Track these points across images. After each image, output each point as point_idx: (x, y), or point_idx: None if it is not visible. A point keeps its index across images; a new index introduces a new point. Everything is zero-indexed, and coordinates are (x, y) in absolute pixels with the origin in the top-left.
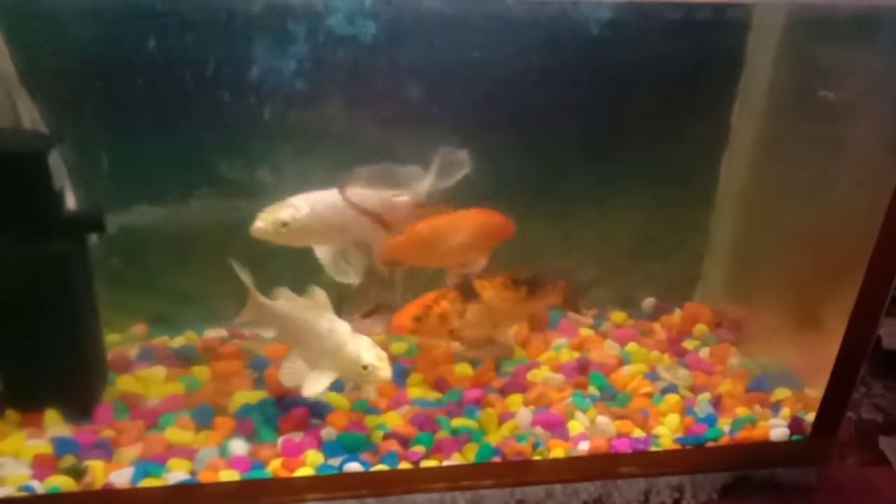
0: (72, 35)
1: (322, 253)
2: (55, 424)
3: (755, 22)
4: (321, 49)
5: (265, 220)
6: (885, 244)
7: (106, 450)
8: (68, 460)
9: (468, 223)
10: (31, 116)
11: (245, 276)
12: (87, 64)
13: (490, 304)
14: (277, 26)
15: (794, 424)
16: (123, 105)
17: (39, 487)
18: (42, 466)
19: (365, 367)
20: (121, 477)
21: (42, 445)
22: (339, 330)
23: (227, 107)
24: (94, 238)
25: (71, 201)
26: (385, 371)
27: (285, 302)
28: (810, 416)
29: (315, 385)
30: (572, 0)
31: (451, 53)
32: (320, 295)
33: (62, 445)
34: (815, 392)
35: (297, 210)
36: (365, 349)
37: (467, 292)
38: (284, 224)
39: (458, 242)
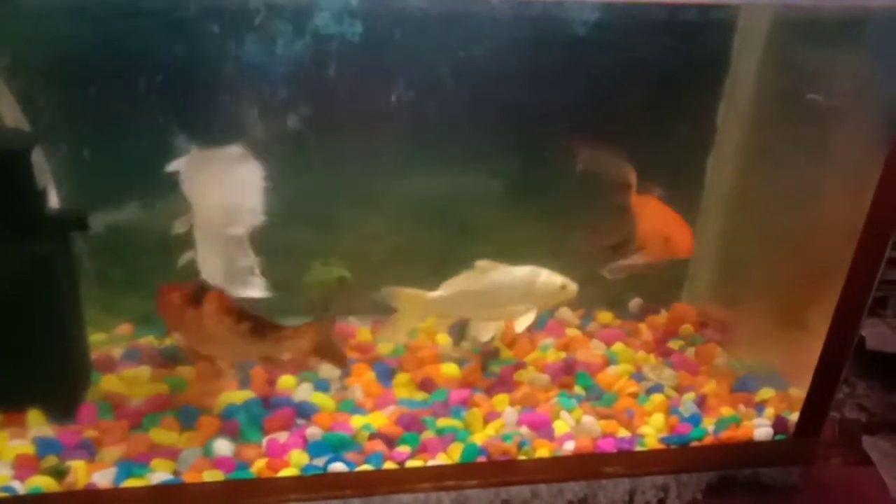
0: (55, 33)
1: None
2: (38, 424)
3: (740, 23)
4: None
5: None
6: (867, 246)
7: (89, 450)
8: (50, 460)
9: None
10: (13, 114)
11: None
12: (70, 62)
13: (204, 319)
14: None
15: (778, 424)
16: (108, 102)
17: (21, 488)
18: (24, 467)
19: (563, 287)
20: (104, 477)
21: (24, 446)
22: (523, 272)
23: (216, 104)
24: (78, 236)
25: (54, 200)
26: (574, 285)
27: (457, 280)
28: (794, 416)
29: (526, 321)
30: (556, 0)
31: (437, 55)
32: (483, 263)
33: (44, 445)
34: (799, 392)
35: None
36: (553, 274)
37: (196, 295)
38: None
39: None
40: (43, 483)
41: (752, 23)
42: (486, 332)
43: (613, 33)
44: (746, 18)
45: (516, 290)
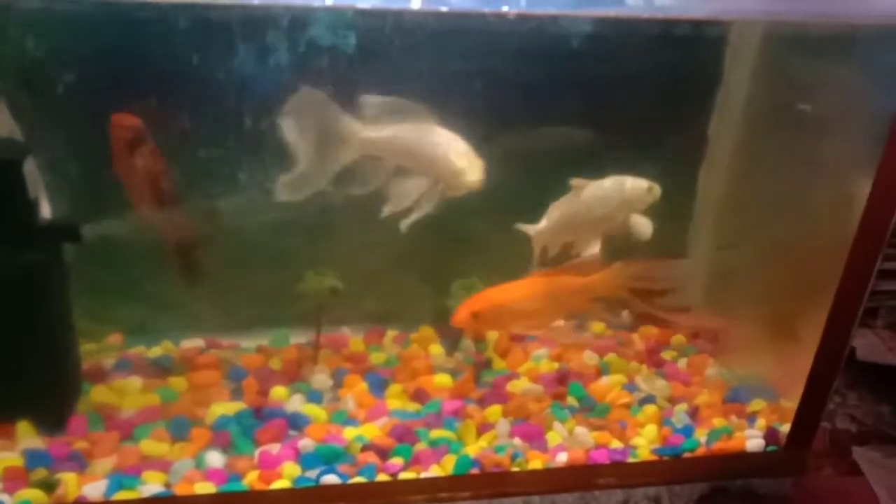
0: (45, 43)
1: None
2: (27, 436)
3: (732, 37)
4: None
5: (479, 171)
6: (858, 257)
7: (79, 462)
8: (39, 473)
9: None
10: (5, 124)
11: None
12: (62, 72)
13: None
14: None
15: (770, 435)
16: (100, 112)
17: (10, 501)
18: (12, 479)
19: (650, 189)
20: (94, 490)
21: (13, 458)
22: (611, 183)
23: (204, 114)
24: (70, 246)
25: (46, 210)
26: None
27: (557, 205)
28: (785, 427)
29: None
30: (552, 15)
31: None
32: (578, 182)
33: (34, 458)
34: (791, 403)
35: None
36: (637, 179)
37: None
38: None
39: None
40: (32, 496)
41: (744, 37)
42: (592, 248)
43: (609, 46)
44: (738, 33)
45: (611, 200)
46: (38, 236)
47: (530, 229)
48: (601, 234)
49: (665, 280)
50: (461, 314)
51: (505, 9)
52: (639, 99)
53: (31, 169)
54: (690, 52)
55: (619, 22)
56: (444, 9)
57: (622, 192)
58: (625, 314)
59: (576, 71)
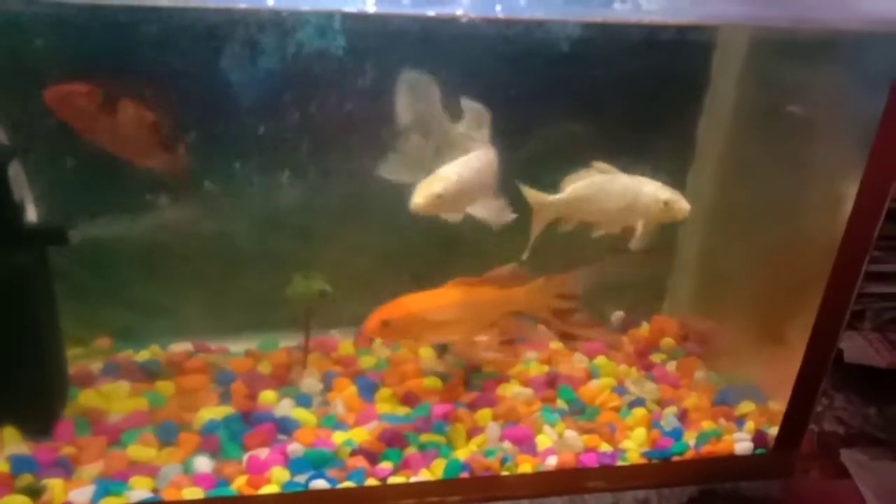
0: (32, 45)
1: (476, 211)
2: (13, 442)
3: (720, 42)
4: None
5: (422, 196)
6: (845, 260)
7: (66, 468)
8: (25, 479)
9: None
10: None
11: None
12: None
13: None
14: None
15: (758, 438)
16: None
17: None
18: None
19: (667, 203)
20: (81, 496)
21: None
22: (629, 181)
23: (193, 116)
24: (56, 250)
25: (32, 213)
26: (685, 203)
27: (575, 184)
28: (774, 430)
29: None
30: (538, 19)
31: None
32: (600, 165)
33: (19, 463)
34: (779, 405)
35: (448, 181)
36: (663, 188)
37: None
38: (439, 196)
39: None
40: (18, 502)
41: (731, 41)
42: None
43: (598, 50)
44: (725, 37)
45: (623, 197)
46: (24, 239)
47: (536, 197)
48: (606, 228)
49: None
50: (371, 322)
51: (499, 8)
52: (628, 102)
53: (16, 172)
54: (678, 57)
55: (609, 26)
56: (430, 13)
57: (638, 195)
58: (615, 317)
59: (562, 74)
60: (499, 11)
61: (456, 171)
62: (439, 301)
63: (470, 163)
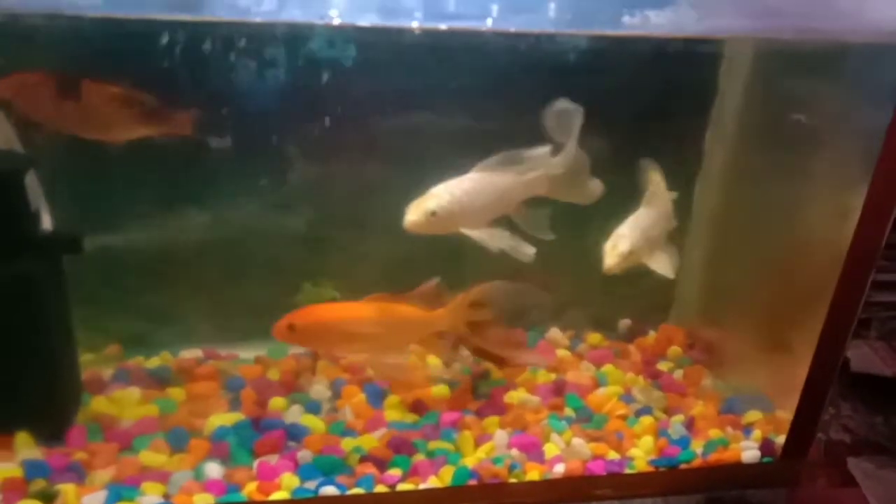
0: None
1: (472, 234)
2: (26, 447)
3: (727, 53)
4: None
5: (416, 213)
6: (852, 268)
7: (78, 473)
8: (39, 484)
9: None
10: (6, 136)
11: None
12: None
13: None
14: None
15: (765, 446)
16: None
17: None
18: (11, 490)
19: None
20: (93, 501)
21: (12, 469)
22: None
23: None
24: (70, 257)
25: (47, 222)
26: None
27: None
28: (781, 439)
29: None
30: (548, 32)
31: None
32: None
33: (33, 468)
34: (786, 414)
35: (441, 199)
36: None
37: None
38: (433, 213)
39: None
40: None
41: (739, 53)
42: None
43: (609, 61)
44: (732, 49)
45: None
46: (38, 247)
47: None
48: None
49: (507, 305)
50: (279, 325)
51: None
52: (637, 113)
53: (32, 180)
54: (687, 69)
55: (619, 39)
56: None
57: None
58: (621, 325)
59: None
60: (512, 25)
61: (448, 191)
62: (351, 313)
63: (462, 184)
